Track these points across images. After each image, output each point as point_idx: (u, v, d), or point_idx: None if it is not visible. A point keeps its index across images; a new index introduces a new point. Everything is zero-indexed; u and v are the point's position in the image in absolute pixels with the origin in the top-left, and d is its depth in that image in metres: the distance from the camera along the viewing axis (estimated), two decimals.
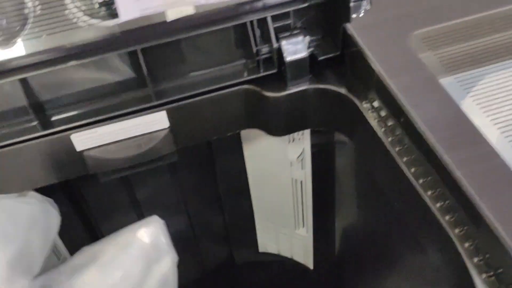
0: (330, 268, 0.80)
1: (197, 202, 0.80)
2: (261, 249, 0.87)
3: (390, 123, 0.42)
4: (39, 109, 0.43)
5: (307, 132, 0.62)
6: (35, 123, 0.43)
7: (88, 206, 0.71)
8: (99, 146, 0.47)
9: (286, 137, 0.64)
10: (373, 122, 0.43)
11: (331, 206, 0.69)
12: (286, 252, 0.86)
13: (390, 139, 0.41)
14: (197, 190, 0.79)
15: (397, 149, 0.41)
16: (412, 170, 0.39)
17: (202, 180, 0.78)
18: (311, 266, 0.84)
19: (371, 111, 0.44)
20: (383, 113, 0.43)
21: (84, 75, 0.43)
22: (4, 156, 0.44)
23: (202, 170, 0.76)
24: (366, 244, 0.66)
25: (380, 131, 0.42)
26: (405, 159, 0.40)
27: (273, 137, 0.66)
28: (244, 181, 0.77)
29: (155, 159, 0.51)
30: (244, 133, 0.69)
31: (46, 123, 0.43)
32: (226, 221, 0.84)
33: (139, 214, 0.76)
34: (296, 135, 0.63)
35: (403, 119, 0.40)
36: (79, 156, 0.47)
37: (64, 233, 0.69)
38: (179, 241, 0.85)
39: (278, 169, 0.70)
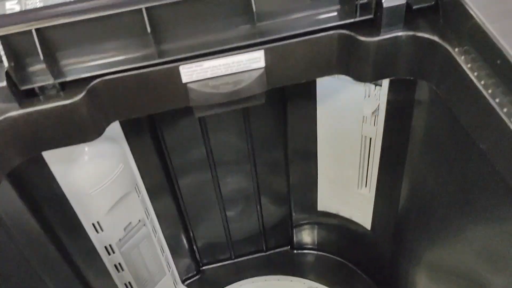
0: (389, 230, 0.81)
1: (264, 157, 0.84)
2: (320, 207, 0.91)
3: (484, 69, 0.44)
4: (157, 39, 0.47)
5: (385, 87, 0.64)
6: (153, 51, 0.47)
7: (166, 146, 0.76)
8: (201, 80, 0.51)
9: (362, 92, 0.67)
10: (466, 67, 0.45)
11: (400, 166, 0.71)
12: (345, 213, 0.88)
13: (482, 82, 0.43)
14: (266, 146, 0.83)
15: (489, 91, 0.43)
16: (505, 110, 0.41)
17: (272, 136, 0.82)
18: (368, 227, 0.86)
19: (464, 57, 0.46)
20: (476, 59, 0.45)
21: (198, 10, 0.47)
22: (121, 81, 0.48)
23: (274, 127, 0.80)
24: (433, 207, 0.67)
25: (473, 76, 0.44)
26: (497, 100, 0.42)
27: (348, 93, 0.69)
28: (313, 141, 0.80)
29: (247, 98, 0.55)
30: (320, 90, 0.72)
31: (161, 52, 0.47)
32: (289, 180, 0.88)
33: (210, 160, 0.81)
34: (373, 90, 0.66)
35: (499, 61, 0.42)
36: (183, 88, 0.51)
37: (143, 170, 0.74)
38: (241, 195, 0.90)
39: (348, 127, 0.73)
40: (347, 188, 0.83)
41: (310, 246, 1.00)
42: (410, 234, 0.75)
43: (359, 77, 0.54)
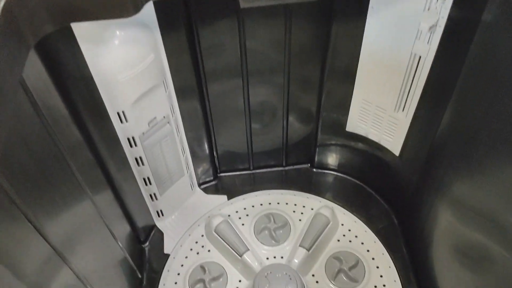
0: (419, 159, 0.79)
1: (299, 71, 0.80)
2: (349, 128, 0.88)
3: None
4: None
5: (448, 1, 0.58)
6: None
7: (200, 45, 0.71)
8: None
9: (422, 4, 0.61)
10: None
11: (446, 93, 0.66)
12: (374, 136, 0.85)
13: None
14: (303, 59, 0.78)
15: None
16: None
17: (312, 50, 0.77)
18: (397, 153, 0.83)
19: None
20: None
21: None
22: None
23: (315, 40, 0.75)
24: (475, 143, 0.63)
25: None
26: None
27: (406, 3, 0.62)
28: (354, 59, 0.75)
29: None
30: (374, 1, 0.66)
31: None
32: (321, 98, 0.84)
33: (244, 66, 0.77)
34: (434, 2, 0.60)
35: None
36: None
37: (174, 66, 0.71)
38: (269, 107, 0.86)
39: (398, 43, 0.68)
40: (382, 110, 0.79)
41: (331, 167, 0.99)
42: (442, 167, 0.72)
43: None
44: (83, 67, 0.58)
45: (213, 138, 0.90)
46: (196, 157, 0.90)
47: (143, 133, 0.72)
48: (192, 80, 0.76)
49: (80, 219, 0.58)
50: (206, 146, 0.90)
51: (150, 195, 0.84)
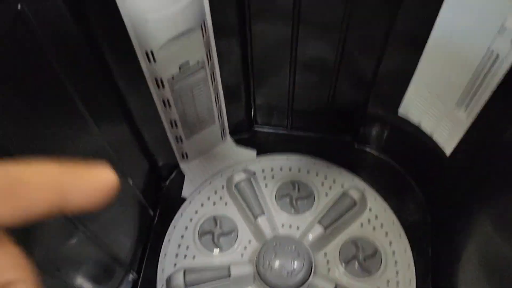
0: (471, 167, 0.69)
1: (359, 31, 0.70)
2: (402, 110, 0.78)
3: None
4: None
5: None
6: None
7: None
8: None
9: None
10: None
11: None
12: (427, 127, 0.76)
13: None
14: (367, 17, 0.68)
15: None
16: None
17: (378, 8, 0.66)
18: (447, 153, 0.74)
19: None
20: None
21: None
22: None
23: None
24: None
25: None
26: None
27: None
28: (425, 31, 0.64)
29: None
30: None
31: None
32: (378, 66, 0.74)
33: (296, 13, 0.67)
34: None
35: None
36: None
37: (216, 5, 0.64)
38: (318, 64, 0.78)
39: (477, 31, 0.56)
40: (442, 102, 0.69)
41: (374, 146, 0.90)
42: (498, 181, 0.63)
43: None
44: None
45: (251, 87, 0.83)
46: (231, 105, 0.85)
47: (172, 77, 0.67)
48: (235, 23, 0.68)
49: (82, 152, 0.56)
50: (243, 95, 0.84)
51: (176, 137, 0.80)
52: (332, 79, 0.79)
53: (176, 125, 0.77)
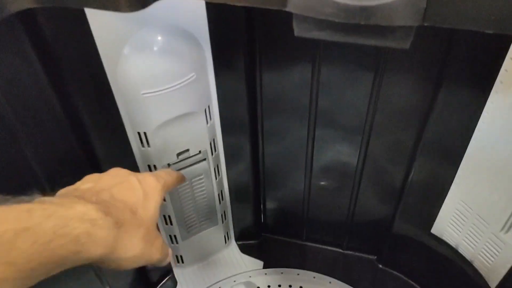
0: None
1: (385, 133, 0.61)
2: (435, 230, 0.66)
3: None
4: None
5: None
6: None
7: (260, 71, 0.57)
8: None
9: None
10: None
11: None
12: (467, 252, 0.63)
13: None
14: (394, 120, 0.59)
15: None
16: None
17: (406, 111, 0.58)
18: (493, 286, 0.60)
19: None
20: None
21: None
22: None
23: (414, 101, 0.56)
24: None
25: None
26: None
27: None
28: (463, 140, 0.54)
29: (382, 30, 0.33)
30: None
31: None
32: (407, 177, 0.64)
33: (313, 104, 0.60)
34: None
35: None
36: None
37: (223, 94, 0.57)
38: (336, 172, 0.68)
39: None
40: (484, 223, 0.57)
41: (403, 268, 0.76)
42: None
43: None
44: (99, 71, 0.47)
45: (262, 187, 0.74)
46: (238, 205, 0.75)
47: (168, 164, 0.59)
48: (245, 114, 0.61)
49: None
50: (252, 195, 0.74)
51: (170, 236, 0.70)
52: (354, 187, 0.69)
53: (170, 221, 0.67)
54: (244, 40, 0.51)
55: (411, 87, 0.54)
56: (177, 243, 0.71)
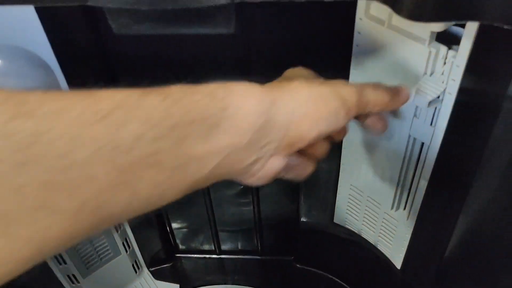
0: (426, 276, 0.56)
1: None
2: (337, 219, 0.66)
3: None
4: None
5: (459, 65, 0.37)
6: None
7: None
8: None
9: (421, 66, 0.40)
10: None
11: (461, 191, 0.44)
12: (369, 236, 0.63)
13: None
14: None
15: None
16: None
17: None
18: (398, 265, 0.60)
19: None
20: None
21: None
22: None
23: None
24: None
25: None
26: None
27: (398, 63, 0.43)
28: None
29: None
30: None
31: None
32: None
33: None
34: (438, 66, 0.39)
35: None
36: None
37: None
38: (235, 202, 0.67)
39: (392, 121, 0.47)
40: (376, 204, 0.58)
41: (318, 264, 0.76)
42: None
43: (412, 13, 0.27)
44: None
45: (163, 211, 0.71)
46: (142, 233, 0.71)
47: None
48: None
49: None
50: (155, 220, 0.70)
51: (68, 276, 0.65)
52: (253, 191, 0.68)
53: (63, 260, 0.62)
54: (95, 58, 0.48)
55: None
56: (78, 282, 0.66)
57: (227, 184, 0.67)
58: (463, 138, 0.42)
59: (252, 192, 0.67)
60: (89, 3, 0.29)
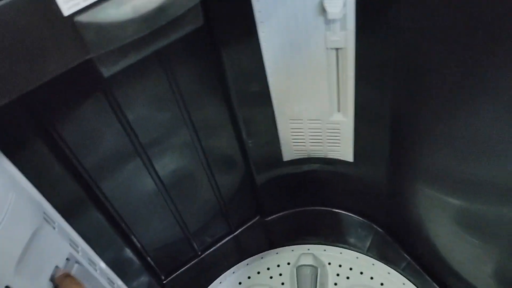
0: (380, 154, 0.66)
1: (202, 115, 0.64)
2: (287, 157, 0.73)
3: None
4: None
5: None
6: None
7: (67, 145, 0.52)
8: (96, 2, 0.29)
9: None
10: None
11: (386, 75, 0.55)
12: (318, 153, 0.71)
13: None
14: (202, 99, 0.62)
15: None
16: None
17: (207, 89, 0.61)
18: (350, 159, 0.70)
19: None
20: None
21: None
22: None
23: (208, 75, 0.59)
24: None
25: None
26: None
27: None
28: (261, 75, 0.61)
29: (177, 23, 0.34)
30: (259, 7, 0.52)
31: None
32: (239, 134, 0.68)
33: (132, 137, 0.58)
34: None
35: None
36: (68, 25, 0.28)
37: (47, 189, 0.51)
38: (186, 171, 0.69)
39: (305, 37, 0.54)
40: (316, 121, 0.66)
41: (284, 207, 0.83)
42: (410, 152, 0.61)
43: None
44: None
45: (132, 237, 0.69)
46: (128, 272, 0.69)
47: None
48: (79, 191, 0.56)
49: None
50: (134, 256, 0.69)
51: None
52: (209, 176, 0.71)
53: None
54: (38, 133, 0.46)
55: (200, 66, 0.57)
56: None
57: (179, 183, 0.69)
58: (373, 34, 0.50)
59: (208, 178, 0.70)
60: (91, 55, 0.30)
